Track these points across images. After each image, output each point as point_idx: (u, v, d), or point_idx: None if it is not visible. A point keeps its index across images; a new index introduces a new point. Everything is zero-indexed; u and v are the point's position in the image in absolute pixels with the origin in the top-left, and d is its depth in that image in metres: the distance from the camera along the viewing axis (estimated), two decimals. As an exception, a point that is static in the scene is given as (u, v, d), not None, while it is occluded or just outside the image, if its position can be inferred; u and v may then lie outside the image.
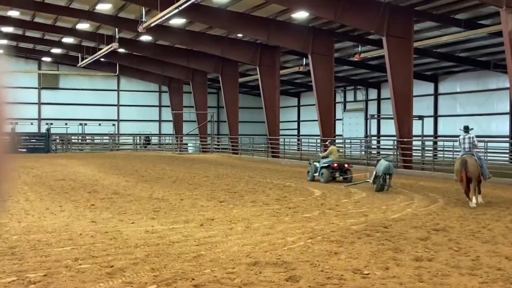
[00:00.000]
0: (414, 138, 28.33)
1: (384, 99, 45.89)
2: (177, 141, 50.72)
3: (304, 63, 39.40)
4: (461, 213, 12.86)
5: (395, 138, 27.67)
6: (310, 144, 40.20)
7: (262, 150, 42.19)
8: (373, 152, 34.63)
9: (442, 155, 32.25)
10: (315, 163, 21.47)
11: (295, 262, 7.73)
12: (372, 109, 47.73)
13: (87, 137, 52.84)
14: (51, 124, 50.76)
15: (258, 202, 14.73)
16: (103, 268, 7.40)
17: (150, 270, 7.33)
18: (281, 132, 43.97)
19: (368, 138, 36.94)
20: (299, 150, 39.66)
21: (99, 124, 53.32)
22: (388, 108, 40.79)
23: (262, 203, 14.53)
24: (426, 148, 30.61)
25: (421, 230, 10.46)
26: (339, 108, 50.22)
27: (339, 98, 50.63)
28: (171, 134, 52.36)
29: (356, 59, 34.97)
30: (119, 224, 10.99)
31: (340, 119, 50.26)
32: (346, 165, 21.12)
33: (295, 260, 7.88)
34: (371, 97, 48.50)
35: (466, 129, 15.10)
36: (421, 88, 40.96)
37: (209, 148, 46.96)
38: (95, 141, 51.84)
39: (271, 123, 38.37)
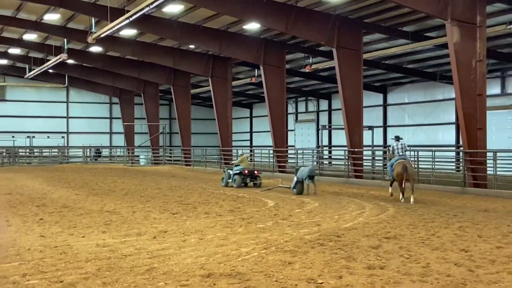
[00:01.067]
0: (364, 148, 28.78)
1: (335, 110, 46.53)
2: (128, 153, 50.10)
3: (256, 74, 39.62)
4: (411, 221, 13.09)
5: (346, 148, 28.04)
6: (263, 155, 40.33)
7: (215, 161, 42.08)
8: (324, 162, 35.00)
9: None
10: (228, 171, 23.86)
11: (250, 273, 7.71)
12: (324, 119, 48.31)
13: (35, 150, 51.60)
14: (-3, 137, 49.46)
15: (212, 213, 14.66)
16: (53, 284, 7.21)
17: (102, 285, 7.18)
18: (234, 143, 43.98)
19: (320, 149, 37.33)
20: (252, 161, 39.71)
21: (48, 137, 52.21)
22: (339, 118, 41.40)
23: (215, 214, 14.47)
24: (376, 158, 31.14)
25: (372, 238, 10.60)
26: (291, 119, 50.63)
27: (291, 109, 51.05)
28: (122, 146, 51.72)
29: (307, 71, 35.39)
30: (69, 238, 10.74)
31: (292, 130, 50.67)
32: (256, 172, 23.55)
33: (249, 271, 7.86)
34: (322, 108, 49.09)
35: (397, 138, 18.58)
36: (371, 99, 41.71)
37: (161, 160, 46.56)
38: (44, 154, 50.66)
39: (223, 134, 38.36)
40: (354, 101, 27.20)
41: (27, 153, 50.80)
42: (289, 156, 36.44)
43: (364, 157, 28.67)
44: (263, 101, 36.58)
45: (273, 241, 10.28)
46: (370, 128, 35.07)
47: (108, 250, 9.49)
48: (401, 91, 41.77)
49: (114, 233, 11.36)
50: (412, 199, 17.15)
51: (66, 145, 53.52)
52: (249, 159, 24.83)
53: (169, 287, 7.00)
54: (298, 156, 35.93)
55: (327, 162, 36.12)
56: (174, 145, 55.69)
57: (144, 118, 50.88)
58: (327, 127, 44.17)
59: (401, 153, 18.08)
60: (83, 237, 10.95)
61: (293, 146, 48.49)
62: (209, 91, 40.54)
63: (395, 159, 18.04)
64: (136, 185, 24.67)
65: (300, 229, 11.88)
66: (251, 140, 58.05)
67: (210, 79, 38.16)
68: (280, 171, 31.85)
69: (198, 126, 56.67)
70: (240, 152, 25.07)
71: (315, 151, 37.33)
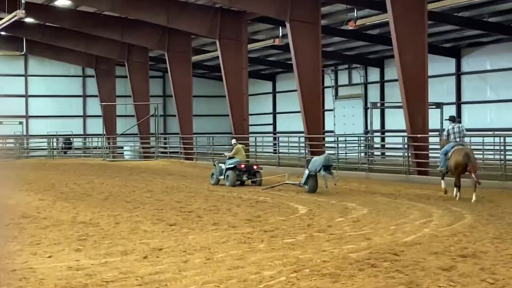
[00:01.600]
0: (430, 133, 28.60)
1: (389, 81, 46.21)
2: (109, 143, 50.34)
3: (280, 34, 39.46)
4: (497, 233, 13.01)
5: (405, 134, 27.84)
6: (290, 145, 40.29)
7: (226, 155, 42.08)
8: (376, 153, 34.87)
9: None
10: (220, 165, 25.06)
11: (275, 305, 7.72)
12: (374, 95, 48.02)
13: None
14: None
15: (222, 224, 14.66)
16: (10, 321, 7.28)
17: (76, 322, 7.24)
18: (251, 129, 43.97)
19: (369, 135, 37.18)
20: (276, 153, 39.71)
21: (1, 123, 52.63)
22: (395, 93, 41.10)
23: (227, 225, 14.47)
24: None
25: (443, 257, 10.54)
26: (329, 94, 50.44)
27: (328, 81, 50.84)
28: (101, 135, 51.95)
29: (351, 28, 35.14)
30: (31, 259, 10.80)
31: (331, 110, 50.45)
32: (255, 167, 25.14)
33: (274, 302, 7.87)
34: (371, 79, 48.78)
35: (453, 119, 20.00)
36: (439, 65, 41.34)
37: (153, 153, 46.72)
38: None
39: (237, 117, 38.32)
40: (416, 69, 26.99)
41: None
42: (326, 145, 36.38)
43: (430, 146, 28.50)
44: (291, 71, 36.40)
45: (307, 262, 10.25)
46: (439, 105, 34.80)
47: (83, 275, 9.51)
48: (481, 55, 41.37)
49: (92, 252, 11.40)
50: (474, 196, 18.49)
51: (25, 133, 53.89)
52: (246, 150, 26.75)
53: (167, 325, 7.05)
54: (339, 145, 35.83)
55: (378, 153, 36.07)
56: (170, 132, 55.78)
57: (130, 96, 51.00)
58: (378, 105, 43.93)
59: (458, 139, 19.52)
60: (49, 257, 10.98)
61: (332, 131, 48.36)
62: (217, 57, 40.46)
63: (450, 146, 19.48)
64: (119, 187, 24.73)
65: (344, 244, 11.84)
66: (274, 124, 57.95)
67: (218, 42, 38.10)
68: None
69: (203, 106, 56.71)
70: (233, 141, 26.41)
71: (362, 138, 37.21)
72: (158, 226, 14.53)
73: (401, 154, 29.50)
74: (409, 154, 27.55)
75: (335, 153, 33.52)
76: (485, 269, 9.63)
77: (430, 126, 28.44)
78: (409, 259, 10.33)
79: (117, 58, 49.94)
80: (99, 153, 49.67)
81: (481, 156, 32.09)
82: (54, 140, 52.21)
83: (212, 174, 25.57)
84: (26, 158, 48.14)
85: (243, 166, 24.63)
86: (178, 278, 9.27)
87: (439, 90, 40.81)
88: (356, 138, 40.10)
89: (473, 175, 18.61)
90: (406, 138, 27.74)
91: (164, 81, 58.76)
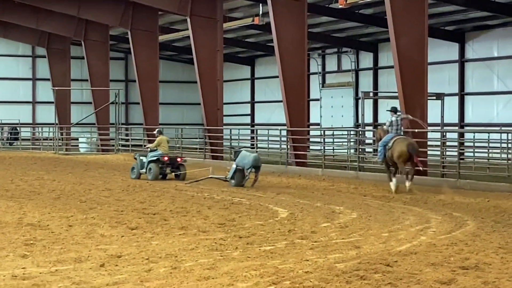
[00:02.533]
0: (430, 127, 28.71)
1: (383, 68, 46.36)
2: (61, 134, 50.07)
3: (261, 12, 39.46)
4: (502, 242, 13.10)
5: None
6: (270, 139, 40.27)
7: (196, 148, 42.10)
8: (367, 149, 34.99)
9: (472, 154, 32.82)
10: (141, 158, 26.87)
11: (250, 321, 7.74)
12: (366, 83, 48.13)
13: None
14: None
15: (191, 228, 14.67)
16: None
17: (21, 338, 7.22)
18: (226, 120, 43.93)
19: (360, 129, 37.25)
20: (254, 148, 39.71)
21: None
22: (390, 82, 41.26)
23: (197, 230, 14.48)
24: (448, 143, 31.13)
25: (442, 268, 10.59)
26: (315, 82, 50.52)
27: (315, 66, 50.90)
28: (52, 124, 51.67)
29: (340, 6, 35.15)
30: (-29, 266, 10.77)
31: (317, 100, 50.51)
32: (179, 159, 27.17)
33: (250, 318, 7.89)
34: (363, 65, 48.90)
35: (395, 110, 23.14)
36: (441, 51, 41.54)
37: (113, 146, 46.57)
38: None
39: (210, 106, 38.26)
40: (415, 54, 27.07)
41: None
42: (311, 140, 36.44)
43: (429, 142, 28.63)
44: (272, 54, 36.41)
45: (287, 272, 10.26)
46: (439, 96, 34.88)
47: (30, 285, 9.47)
48: (488, 39, 41.59)
49: (40, 259, 11.35)
50: (408, 184, 21.92)
51: (-36, 121, 53.51)
52: (169, 142, 28.56)
53: None
54: (326, 140, 35.88)
55: (370, 150, 36.08)
56: (133, 123, 55.62)
57: (86, 80, 50.75)
58: (371, 94, 44.02)
59: (398, 130, 22.81)
60: (-9, 264, 10.97)
61: (318, 124, 48.42)
62: (188, 38, 40.35)
63: (390, 137, 22.48)
64: (73, 184, 24.66)
65: (329, 253, 11.87)
66: (252, 114, 57.92)
67: (189, 19, 37.97)
68: (297, 163, 31.87)
69: (171, 92, 56.61)
70: (156, 132, 28.34)
71: (352, 132, 37.26)
72: (117, 229, 14.50)
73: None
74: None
75: (321, 149, 33.56)
76: (488, 282, 9.69)
77: (429, 120, 28.53)
78: (404, 271, 10.37)
79: (72, 36, 49.62)
80: (51, 145, 49.37)
81: (485, 155, 32.36)
82: (-1, 129, 51.91)
83: (133, 168, 27.31)
84: (-35, 150, 47.78)
85: (166, 158, 26.49)
86: (140, 289, 9.27)
87: (440, 79, 41.00)
88: (346, 132, 40.17)
89: (413, 166, 22.05)
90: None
91: (126, 63, 58.57)
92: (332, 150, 38.83)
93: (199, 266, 10.72)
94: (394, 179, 22.67)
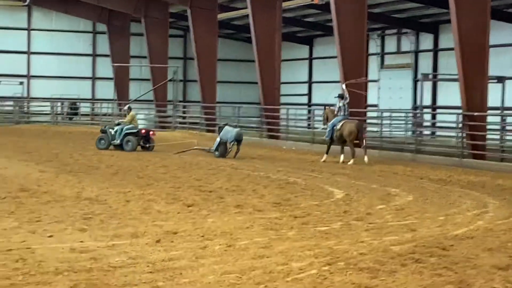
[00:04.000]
0: (490, 111, 28.40)
1: (444, 50, 45.85)
2: (120, 110, 50.52)
3: (320, -8, 39.25)
4: (562, 229, 12.93)
5: (460, 111, 27.64)
6: (327, 119, 40.11)
7: (253, 127, 42.14)
8: (425, 132, 34.65)
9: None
10: (110, 130, 29.32)
11: (304, 301, 7.75)
12: (425, 65, 47.65)
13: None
14: None
15: (247, 207, 14.73)
16: (5, 306, 7.39)
17: (78, 310, 7.33)
18: (283, 100, 43.90)
19: (418, 111, 36.97)
20: (310, 128, 39.66)
21: (-1, 82, 53.08)
22: (450, 64, 40.79)
23: (252, 209, 14.53)
24: (508, 127, 30.73)
25: (498, 254, 10.50)
26: (373, 63, 50.17)
27: (374, 47, 50.53)
28: (111, 100, 52.20)
29: (401, -13, 34.90)
30: (30, 238, 10.93)
31: (375, 81, 50.19)
32: (151, 133, 29.97)
33: (304, 297, 7.90)
34: (423, 47, 48.38)
35: (342, 96, 26.83)
36: (503, 34, 40.89)
37: (170, 123, 46.85)
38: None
39: (267, 85, 38.27)
40: (476, 36, 26.71)
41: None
42: (368, 122, 36.24)
43: (488, 126, 28.29)
44: (331, 34, 36.19)
45: (342, 253, 10.28)
46: (500, 80, 34.47)
47: (88, 258, 9.60)
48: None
49: (98, 233, 11.51)
50: (366, 158, 25.36)
51: (26, 95, 54.24)
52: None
53: (181, 318, 7.14)
54: (384, 121, 35.66)
55: (428, 133, 35.85)
56: (191, 100, 55.86)
57: (145, 57, 51.07)
58: (430, 77, 43.62)
59: (347, 114, 26.56)
60: (50, 236, 11.12)
61: (375, 106, 48.14)
62: (247, 16, 40.33)
63: (339, 119, 26.26)
64: (130, 160, 24.90)
65: (384, 236, 11.85)
66: (309, 94, 57.77)
67: (248, -2, 38.00)
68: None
69: (229, 71, 56.66)
70: (126, 107, 31.32)
71: (409, 114, 36.99)
72: (173, 206, 14.63)
73: (454, 134, 29.30)
74: (464, 135, 27.35)
75: (378, 131, 33.36)
76: (546, 269, 9.57)
77: (490, 104, 28.20)
78: (459, 255, 10.30)
79: (132, 13, 49.93)
80: (109, 121, 49.82)
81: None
82: (59, 104, 52.50)
83: (101, 139, 29.52)
84: (26, 124, 48.51)
85: (144, 131, 29.55)
86: (195, 266, 9.33)
87: (502, 62, 40.35)
88: (403, 114, 39.91)
89: (364, 143, 26.00)
90: (461, 116, 27.52)
91: (185, 41, 58.73)
92: (389, 132, 38.62)
93: (254, 245, 10.77)
94: (342, 156, 26.10)
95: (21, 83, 54.61)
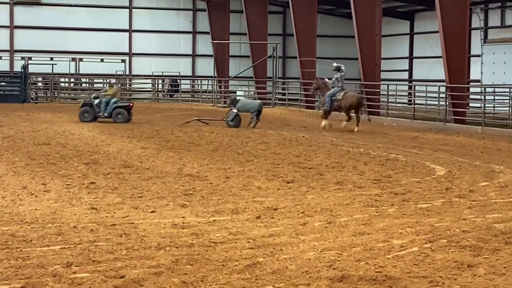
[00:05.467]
0: None
1: (550, 24, 44.69)
2: (220, 87, 50.91)
3: (422, -35, 38.67)
4: None
5: None
6: (428, 95, 39.65)
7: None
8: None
9: None
10: (95, 101, 30.67)
11: (405, 279, 7.71)
12: (530, 39, 46.56)
13: (83, 80, 53.59)
14: (29, 59, 51.70)
15: (347, 183, 14.71)
16: (110, 280, 7.56)
17: (180, 284, 7.44)
18: (383, 75, 43.51)
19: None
20: (411, 104, 39.22)
21: (101, 60, 53.99)
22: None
23: (352, 185, 14.51)
24: None
25: None
26: (476, 37, 49.23)
27: (476, 21, 49.58)
28: (211, 77, 52.62)
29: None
30: (133, 213, 11.17)
31: (478, 56, 49.28)
32: (130, 104, 31.77)
33: (405, 275, 7.86)
34: (529, 21, 47.32)
35: (339, 69, 28.89)
36: None
37: (270, 99, 46.99)
38: (95, 85, 52.58)
39: (367, 61, 37.99)
40: None
41: (72, 85, 52.91)
42: (471, 97, 35.60)
43: None
44: (432, 9, 35.65)
45: (444, 231, 10.18)
46: None
47: (189, 234, 9.77)
48: None
49: (199, 209, 11.67)
50: (357, 128, 27.80)
51: (127, 73, 55.15)
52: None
53: (281, 294, 7.17)
54: (487, 97, 34.97)
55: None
56: (290, 77, 55.88)
57: (245, 34, 51.24)
58: (536, 51, 42.57)
59: (344, 86, 28.77)
60: (152, 212, 11.34)
61: (478, 81, 47.27)
62: (346, -9, 40.08)
63: (337, 90, 28.39)
64: (230, 137, 25.06)
65: (488, 213, 11.66)
66: (410, 70, 57.09)
67: (348, -27, 37.71)
68: (456, 121, 31.27)
69: (328, 47, 56.37)
70: (113, 81, 35.56)
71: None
72: (273, 182, 14.69)
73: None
74: None
75: (481, 106, 32.75)
76: None
77: None
78: None
79: (232, -10, 50.23)
80: (209, 98, 50.34)
81: None
82: (160, 81, 53.21)
83: (86, 112, 30.62)
84: (128, 100, 49.27)
85: (132, 104, 31.55)
86: (295, 242, 9.38)
87: None
88: (507, 90, 39.07)
89: (359, 115, 28.56)
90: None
91: (284, 17, 58.68)
92: (492, 108, 37.85)
93: (354, 222, 10.76)
94: (324, 121, 28.80)
95: (123, 61, 55.46)
